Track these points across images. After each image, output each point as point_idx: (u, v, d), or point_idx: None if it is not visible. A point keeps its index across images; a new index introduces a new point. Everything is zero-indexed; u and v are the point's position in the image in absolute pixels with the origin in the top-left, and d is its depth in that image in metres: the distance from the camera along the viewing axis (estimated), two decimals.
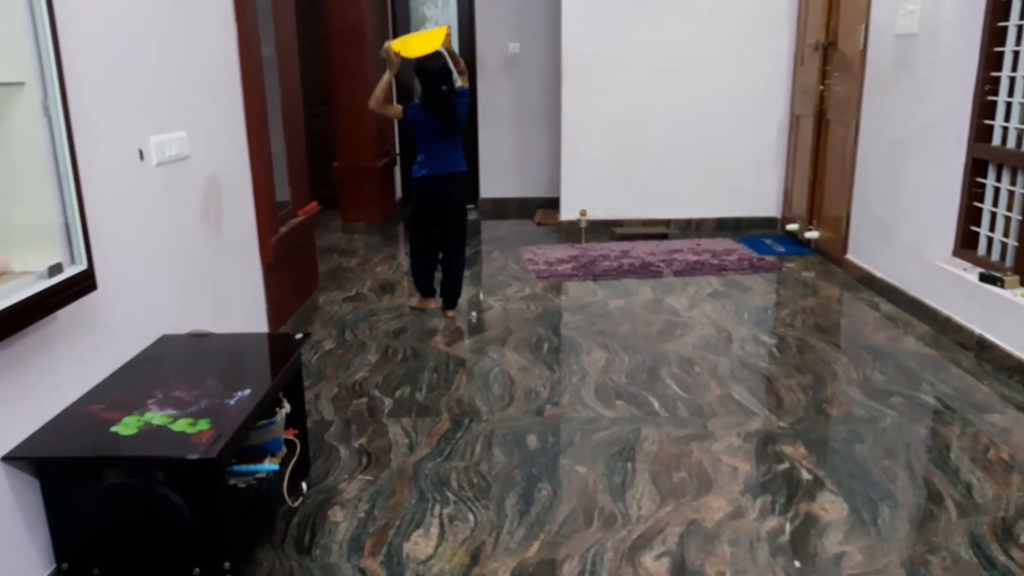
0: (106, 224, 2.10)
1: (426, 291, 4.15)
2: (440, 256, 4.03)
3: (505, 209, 7.05)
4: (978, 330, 3.41)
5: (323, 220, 6.24)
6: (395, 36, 6.82)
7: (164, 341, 2.36)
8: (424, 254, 4.04)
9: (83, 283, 1.79)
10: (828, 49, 4.98)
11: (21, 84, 1.64)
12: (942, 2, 3.67)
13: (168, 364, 2.21)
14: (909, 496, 2.33)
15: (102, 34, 2.13)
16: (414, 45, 3.73)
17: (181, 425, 1.79)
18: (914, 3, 3.88)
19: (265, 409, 2.10)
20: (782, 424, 2.78)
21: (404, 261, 5.26)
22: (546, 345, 3.60)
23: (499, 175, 7.12)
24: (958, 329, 3.54)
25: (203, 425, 1.79)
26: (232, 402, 1.91)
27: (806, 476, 2.43)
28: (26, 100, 1.66)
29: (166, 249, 2.49)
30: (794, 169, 5.68)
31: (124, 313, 2.21)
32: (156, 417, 1.84)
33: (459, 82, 3.90)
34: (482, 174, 7.14)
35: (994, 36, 3.48)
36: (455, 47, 3.87)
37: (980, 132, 3.60)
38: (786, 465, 2.50)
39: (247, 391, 1.97)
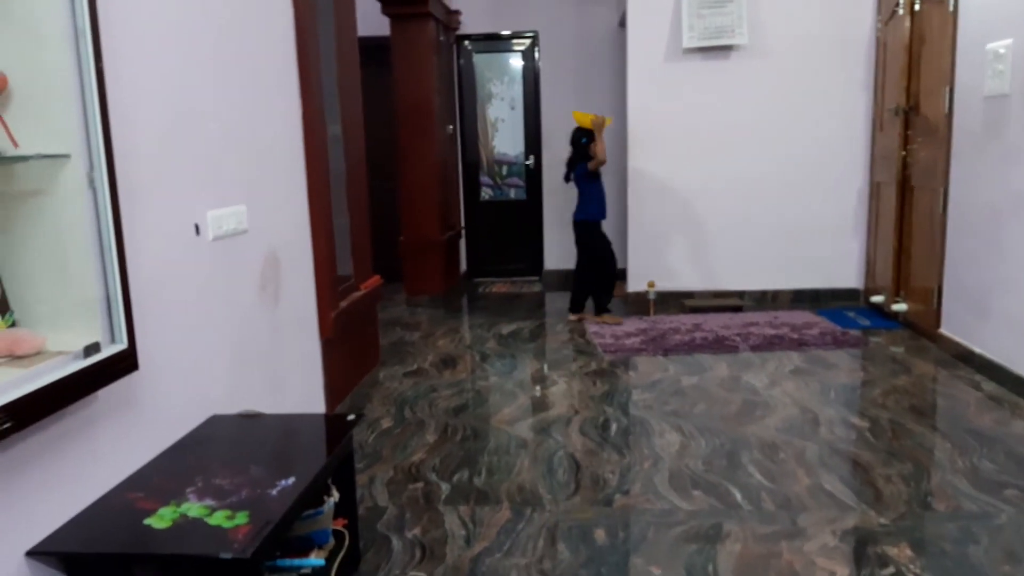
0: (156, 300, 2.04)
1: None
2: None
3: (570, 281, 6.89)
4: None
5: (387, 293, 6.22)
6: (461, 113, 6.91)
7: (213, 422, 2.26)
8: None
9: (122, 363, 1.70)
10: (909, 114, 4.76)
11: (67, 156, 1.59)
12: None
13: (214, 447, 2.09)
14: None
15: (162, 110, 2.10)
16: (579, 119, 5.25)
17: (218, 518, 1.65)
18: (1003, 63, 3.65)
19: (311, 498, 1.95)
20: (882, 520, 2.48)
21: (467, 334, 5.14)
22: (614, 426, 3.38)
23: (564, 246, 7.00)
24: None
25: (241, 519, 1.65)
26: (275, 492, 1.77)
27: None
28: (71, 173, 1.60)
29: (220, 325, 2.41)
30: (876, 238, 5.39)
31: (172, 393, 2.12)
32: (193, 508, 1.71)
33: (592, 163, 5.11)
34: (547, 245, 7.07)
35: None
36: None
37: None
38: (891, 570, 2.20)
39: (291, 479, 1.82)
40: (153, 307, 2.02)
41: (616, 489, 2.76)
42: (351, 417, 2.23)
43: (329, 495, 2.08)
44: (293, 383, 2.99)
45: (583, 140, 5.15)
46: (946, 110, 4.24)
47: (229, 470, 1.90)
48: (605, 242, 5.28)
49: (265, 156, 2.79)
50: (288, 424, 2.35)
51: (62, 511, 1.67)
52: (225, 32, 2.50)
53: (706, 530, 2.44)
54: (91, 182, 1.62)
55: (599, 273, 5.29)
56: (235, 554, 1.51)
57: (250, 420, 2.29)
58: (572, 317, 5.38)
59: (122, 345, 1.70)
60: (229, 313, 2.48)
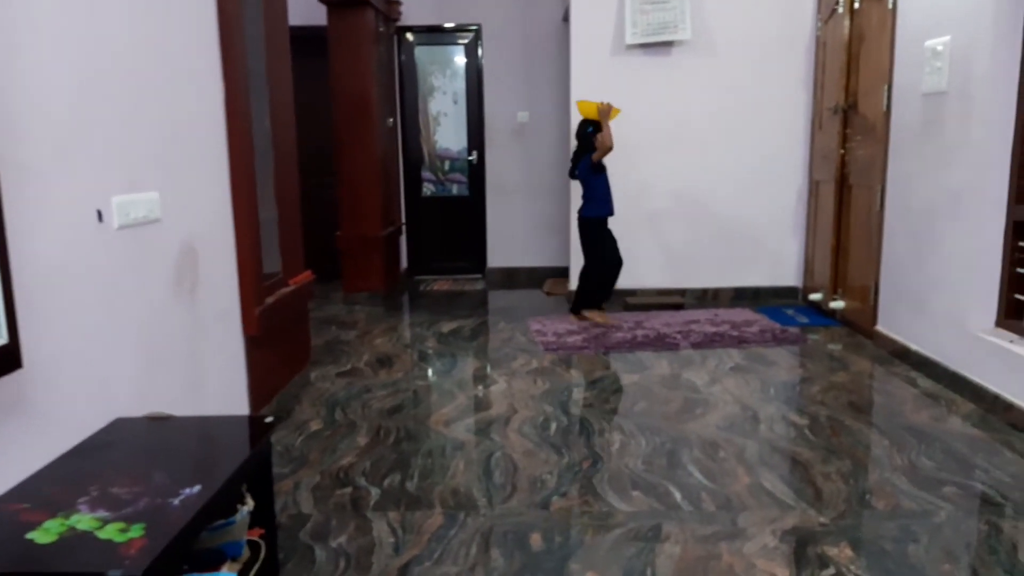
0: (50, 292, 1.86)
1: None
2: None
3: (514, 279, 6.82)
4: None
5: (325, 291, 6.03)
6: (402, 105, 6.75)
7: (117, 425, 2.08)
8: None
9: (2, 360, 1.52)
10: (848, 112, 4.79)
11: None
12: (973, 58, 3.46)
13: (115, 453, 1.92)
14: None
15: (60, 83, 1.92)
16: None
17: (109, 531, 1.49)
18: (941, 60, 3.67)
19: (221, 507, 1.80)
20: (822, 520, 2.44)
21: (406, 332, 5.00)
22: (554, 425, 3.29)
23: (508, 244, 6.93)
24: (1008, 408, 3.21)
25: (135, 532, 1.49)
26: (176, 501, 1.62)
27: None
28: None
29: (127, 321, 2.23)
30: (815, 236, 5.43)
31: (70, 394, 1.94)
32: (83, 520, 1.54)
33: (596, 153, 4.85)
34: (490, 243, 6.96)
35: None
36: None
37: (1022, 194, 3.34)
38: (832, 571, 2.15)
39: (196, 488, 1.67)
40: (47, 300, 1.84)
41: (554, 491, 2.66)
42: (269, 419, 2.08)
43: (243, 503, 1.92)
44: (213, 384, 2.81)
45: (589, 130, 4.91)
46: (884, 108, 4.27)
47: (128, 478, 1.74)
48: (612, 240, 5.05)
49: (182, 141, 2.61)
50: (200, 427, 2.18)
51: None
52: (135, 5, 2.31)
53: (645, 532, 2.36)
54: None
55: (603, 271, 5.07)
56: (124, 571, 1.36)
57: (158, 423, 2.12)
58: (574, 318, 5.14)
59: (1, 340, 1.53)
60: (138, 308, 2.29)
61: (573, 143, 5.58)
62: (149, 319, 2.36)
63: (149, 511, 1.58)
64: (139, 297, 2.30)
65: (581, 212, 5.03)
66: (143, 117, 2.34)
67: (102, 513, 1.57)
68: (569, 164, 5.24)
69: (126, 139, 2.24)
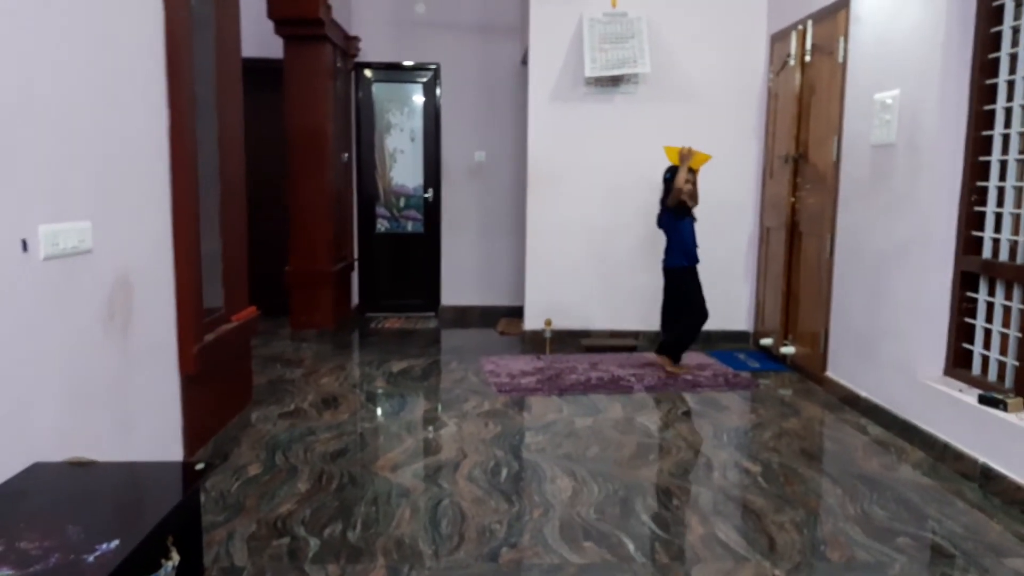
0: None
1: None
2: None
3: (467, 317, 6.74)
4: (981, 458, 3.09)
5: (272, 327, 5.86)
6: (359, 141, 6.69)
7: (35, 471, 1.93)
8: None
9: None
10: (798, 161, 4.87)
11: None
12: (921, 112, 3.54)
13: (29, 503, 1.77)
14: None
15: None
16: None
17: None
18: (890, 113, 3.75)
19: (143, 562, 1.66)
20: (777, 572, 2.38)
21: (354, 372, 4.86)
22: (505, 471, 3.19)
23: (462, 282, 6.86)
24: (958, 456, 3.22)
25: None
26: (91, 558, 1.48)
27: None
28: None
29: (50, 358, 2.09)
30: (766, 282, 5.47)
31: None
32: None
33: (669, 198, 4.65)
34: (444, 281, 6.88)
35: (978, 145, 3.33)
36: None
37: (968, 244, 3.40)
38: None
39: (115, 543, 1.54)
40: None
41: (503, 542, 2.55)
42: (199, 466, 1.95)
43: (168, 558, 1.78)
44: (144, 425, 2.65)
45: (667, 176, 4.68)
46: (834, 158, 4.34)
47: (41, 531, 1.59)
48: (695, 292, 4.76)
49: (121, 168, 2.49)
50: (125, 474, 2.04)
51: None
52: (74, 26, 2.21)
53: None
54: None
55: (681, 321, 4.80)
56: None
57: (80, 469, 1.97)
58: (665, 361, 4.84)
59: None
60: (64, 344, 2.15)
61: (531, 183, 5.60)
62: (75, 356, 2.21)
63: (60, 569, 1.45)
64: (65, 333, 2.16)
65: (664, 262, 4.81)
66: (78, 141, 2.22)
67: (7, 571, 1.43)
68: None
69: (57, 164, 2.12)
